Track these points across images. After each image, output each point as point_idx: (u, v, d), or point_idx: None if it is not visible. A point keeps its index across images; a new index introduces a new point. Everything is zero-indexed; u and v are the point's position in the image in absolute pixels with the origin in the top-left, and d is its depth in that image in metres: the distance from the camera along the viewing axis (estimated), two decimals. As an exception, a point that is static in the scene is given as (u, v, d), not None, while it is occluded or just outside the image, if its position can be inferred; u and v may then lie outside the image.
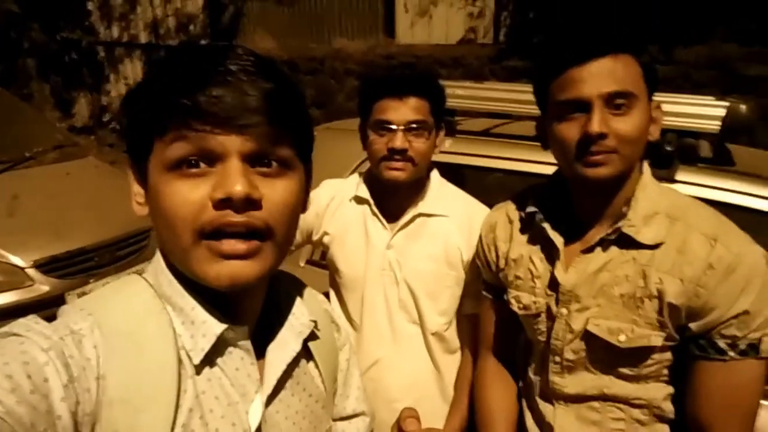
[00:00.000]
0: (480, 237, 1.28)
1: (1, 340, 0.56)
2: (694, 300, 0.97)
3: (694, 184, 1.50)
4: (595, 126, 0.95)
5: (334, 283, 1.54)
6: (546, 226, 1.10)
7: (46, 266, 2.85)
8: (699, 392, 1.01)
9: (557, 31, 5.15)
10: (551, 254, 1.10)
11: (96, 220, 3.12)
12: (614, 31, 0.99)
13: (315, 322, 0.76)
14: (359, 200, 1.48)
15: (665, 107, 1.44)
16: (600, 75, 0.95)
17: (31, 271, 2.80)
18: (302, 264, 2.05)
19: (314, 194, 1.54)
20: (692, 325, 0.99)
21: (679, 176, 1.51)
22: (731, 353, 0.97)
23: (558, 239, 1.09)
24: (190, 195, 0.58)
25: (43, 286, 2.81)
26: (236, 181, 0.57)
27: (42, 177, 3.48)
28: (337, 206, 1.50)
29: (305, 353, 0.76)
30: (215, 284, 0.60)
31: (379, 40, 6.76)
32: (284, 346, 0.71)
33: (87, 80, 8.78)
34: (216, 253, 0.59)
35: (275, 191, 0.61)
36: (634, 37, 0.98)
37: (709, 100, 1.52)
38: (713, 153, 1.59)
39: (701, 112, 1.48)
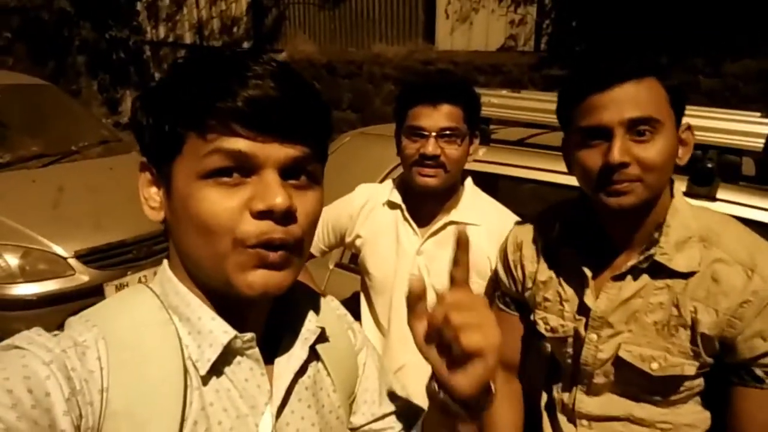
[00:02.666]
0: (505, 254, 1.25)
1: (3, 353, 0.55)
2: (729, 331, 0.95)
3: (735, 203, 1.45)
4: (616, 155, 0.91)
5: (364, 286, 1.55)
6: (574, 253, 1.08)
7: (86, 257, 2.95)
8: (739, 418, 0.98)
9: (598, 43, 5.06)
10: (581, 280, 1.08)
11: (136, 215, 3.15)
12: (637, 55, 0.95)
13: (322, 328, 0.73)
14: (392, 205, 1.49)
15: (707, 123, 1.41)
16: (621, 101, 0.92)
17: (73, 261, 2.91)
18: (331, 267, 2.07)
19: (349, 197, 1.57)
20: (729, 356, 0.97)
21: (719, 194, 1.47)
22: None
23: (588, 270, 1.07)
24: (227, 202, 0.58)
25: (83, 276, 2.91)
26: (277, 193, 0.57)
27: (86, 171, 3.61)
28: (371, 210, 1.52)
29: (317, 362, 0.74)
30: (247, 292, 0.60)
31: (418, 46, 6.77)
32: (291, 354, 0.69)
33: (133, 78, 9.05)
34: (255, 259, 0.59)
35: (307, 203, 0.62)
36: (658, 60, 0.95)
37: (754, 116, 1.47)
38: (757, 171, 1.54)
39: (745, 128, 1.43)
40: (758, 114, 1.49)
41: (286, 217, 0.59)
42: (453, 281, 0.63)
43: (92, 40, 8.46)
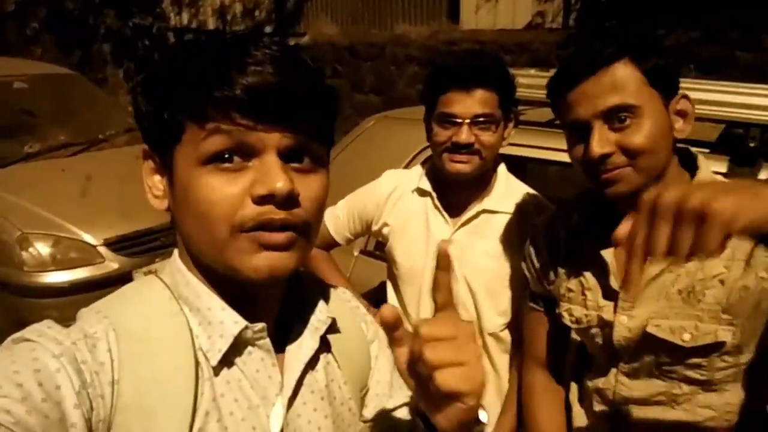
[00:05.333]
0: (529, 247, 1.24)
1: (13, 346, 0.55)
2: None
3: (780, 184, 1.38)
4: (595, 148, 0.93)
5: (391, 275, 1.52)
6: (593, 241, 1.07)
7: (115, 245, 2.99)
8: None
9: (629, 19, 4.90)
10: (603, 267, 1.06)
11: (162, 202, 3.23)
12: (605, 41, 0.94)
13: (333, 318, 0.72)
14: (421, 192, 1.45)
15: (747, 99, 1.34)
16: (593, 93, 0.93)
17: (102, 249, 2.95)
18: (356, 254, 2.05)
19: (376, 184, 1.53)
20: None
21: (763, 174, 1.40)
22: None
23: (608, 256, 1.05)
24: (228, 189, 0.57)
25: (112, 263, 2.96)
26: (278, 177, 0.57)
27: (114, 159, 3.65)
28: (399, 197, 1.48)
29: (328, 353, 0.73)
30: (254, 276, 0.59)
31: (442, 26, 6.64)
32: (301, 344, 0.69)
33: (158, 65, 9.09)
34: (256, 244, 0.58)
35: (310, 187, 0.61)
36: (632, 40, 0.94)
37: (801, 91, 1.39)
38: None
39: (791, 104, 1.35)
40: (805, 89, 1.41)
41: (288, 201, 0.58)
42: (436, 306, 0.57)
43: (117, 28, 8.52)
